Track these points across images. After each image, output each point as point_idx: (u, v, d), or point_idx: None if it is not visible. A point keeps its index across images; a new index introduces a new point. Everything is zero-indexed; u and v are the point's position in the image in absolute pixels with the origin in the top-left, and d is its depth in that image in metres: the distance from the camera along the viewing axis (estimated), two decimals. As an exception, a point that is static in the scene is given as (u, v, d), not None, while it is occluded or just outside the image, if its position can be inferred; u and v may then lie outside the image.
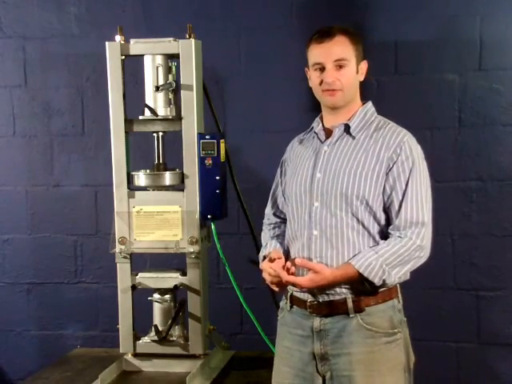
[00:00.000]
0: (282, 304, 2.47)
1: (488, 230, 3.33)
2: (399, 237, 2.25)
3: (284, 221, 2.52)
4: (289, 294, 2.40)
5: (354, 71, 2.33)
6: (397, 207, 2.26)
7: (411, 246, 2.23)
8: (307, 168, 2.37)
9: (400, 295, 2.35)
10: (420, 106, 3.32)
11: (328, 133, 2.39)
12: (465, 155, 3.32)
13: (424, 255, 2.26)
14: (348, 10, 3.33)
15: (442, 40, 3.28)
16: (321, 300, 2.29)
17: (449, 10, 3.27)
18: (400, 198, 2.26)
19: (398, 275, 2.24)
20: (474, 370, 3.39)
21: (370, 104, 2.41)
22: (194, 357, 2.91)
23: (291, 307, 2.39)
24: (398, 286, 2.34)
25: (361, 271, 2.21)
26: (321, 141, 2.39)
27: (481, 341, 3.37)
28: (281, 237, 2.50)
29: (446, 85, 3.31)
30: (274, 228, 2.56)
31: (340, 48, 2.30)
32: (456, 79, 3.30)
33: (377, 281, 2.21)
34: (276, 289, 2.35)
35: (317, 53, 2.32)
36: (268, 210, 2.60)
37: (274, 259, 2.32)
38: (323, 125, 2.41)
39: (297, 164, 2.43)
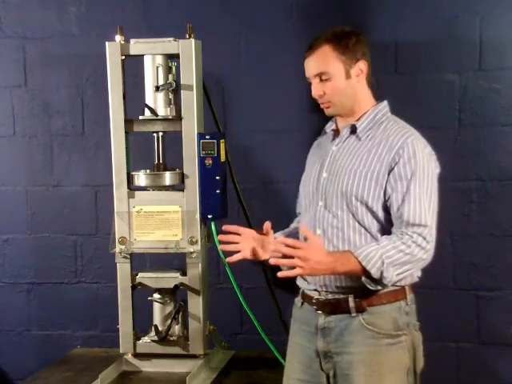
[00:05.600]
0: (296, 300, 2.49)
1: (488, 230, 3.32)
2: (401, 235, 2.23)
3: None
4: (301, 291, 2.42)
5: (341, 79, 2.32)
6: (396, 208, 2.25)
7: (411, 245, 2.19)
8: (316, 167, 2.42)
9: (409, 298, 2.32)
10: (420, 105, 3.31)
11: (338, 133, 2.41)
12: (465, 155, 3.32)
13: (426, 257, 2.23)
14: (348, 10, 3.32)
15: (442, 40, 3.28)
16: (324, 298, 2.31)
17: (449, 10, 3.27)
18: (400, 199, 2.24)
19: (396, 273, 2.19)
20: (474, 370, 3.38)
21: (383, 104, 2.40)
22: (194, 357, 2.91)
23: (302, 304, 2.42)
24: (406, 288, 2.32)
25: (359, 259, 2.16)
26: (331, 141, 2.42)
27: (481, 341, 3.37)
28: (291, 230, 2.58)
29: (446, 85, 3.30)
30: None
31: (318, 62, 2.32)
32: (456, 79, 3.29)
33: (374, 272, 2.16)
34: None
35: (305, 67, 2.38)
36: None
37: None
38: (336, 125, 2.43)
39: (310, 164, 2.49)
